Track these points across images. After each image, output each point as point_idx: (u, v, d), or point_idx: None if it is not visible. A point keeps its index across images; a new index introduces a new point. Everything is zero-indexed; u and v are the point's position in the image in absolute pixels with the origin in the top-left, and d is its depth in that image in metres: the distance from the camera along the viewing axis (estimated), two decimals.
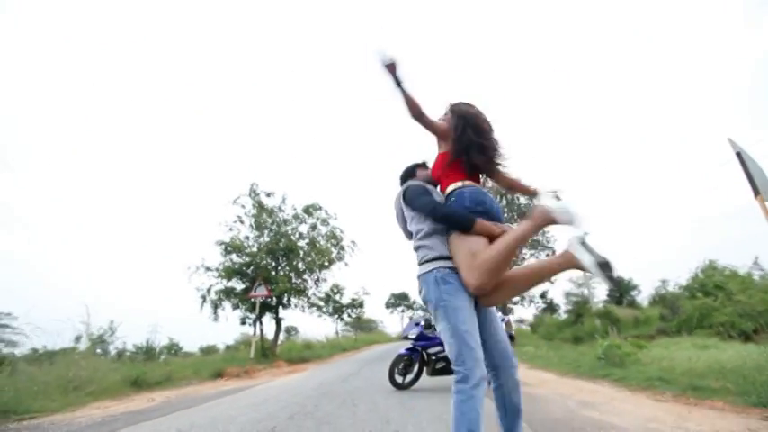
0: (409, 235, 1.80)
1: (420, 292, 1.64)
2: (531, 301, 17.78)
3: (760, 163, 3.52)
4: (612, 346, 5.91)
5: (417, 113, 1.68)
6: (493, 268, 1.45)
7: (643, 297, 24.41)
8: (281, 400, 4.37)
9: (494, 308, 1.69)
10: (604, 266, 1.36)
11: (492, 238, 1.54)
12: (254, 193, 12.79)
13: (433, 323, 5.06)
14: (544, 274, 1.56)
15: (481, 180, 1.79)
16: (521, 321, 26.71)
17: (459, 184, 1.69)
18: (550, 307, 24.88)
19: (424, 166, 2.00)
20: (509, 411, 1.54)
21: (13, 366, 5.23)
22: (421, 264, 1.63)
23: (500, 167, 1.77)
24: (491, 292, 1.51)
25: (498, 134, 1.78)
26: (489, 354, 1.54)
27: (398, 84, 1.63)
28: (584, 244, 1.41)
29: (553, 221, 1.47)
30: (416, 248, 1.69)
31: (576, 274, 24.52)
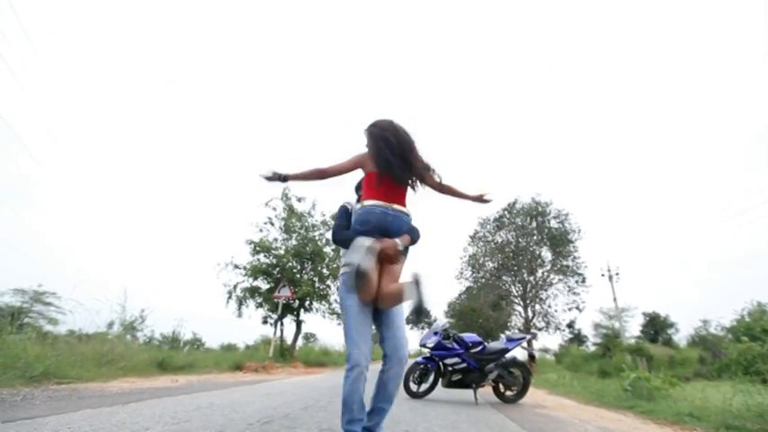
0: None
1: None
2: (557, 329, 16.97)
3: None
4: (641, 379, 5.60)
5: (321, 175, 1.83)
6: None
7: (681, 337, 22.93)
8: (297, 393, 4.46)
9: (395, 308, 1.78)
10: (418, 311, 1.56)
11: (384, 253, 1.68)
12: (285, 197, 13.24)
13: (452, 333, 5.01)
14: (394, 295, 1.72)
15: (414, 189, 1.83)
16: (545, 350, 25.56)
17: (357, 206, 1.90)
18: (578, 338, 23.77)
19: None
20: (379, 394, 1.70)
21: (54, 339, 5.64)
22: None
23: (424, 175, 1.82)
24: (378, 301, 1.72)
25: (419, 144, 1.81)
26: (385, 344, 1.74)
27: (284, 179, 1.81)
28: (417, 283, 1.59)
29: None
30: None
31: (607, 305, 23.41)
